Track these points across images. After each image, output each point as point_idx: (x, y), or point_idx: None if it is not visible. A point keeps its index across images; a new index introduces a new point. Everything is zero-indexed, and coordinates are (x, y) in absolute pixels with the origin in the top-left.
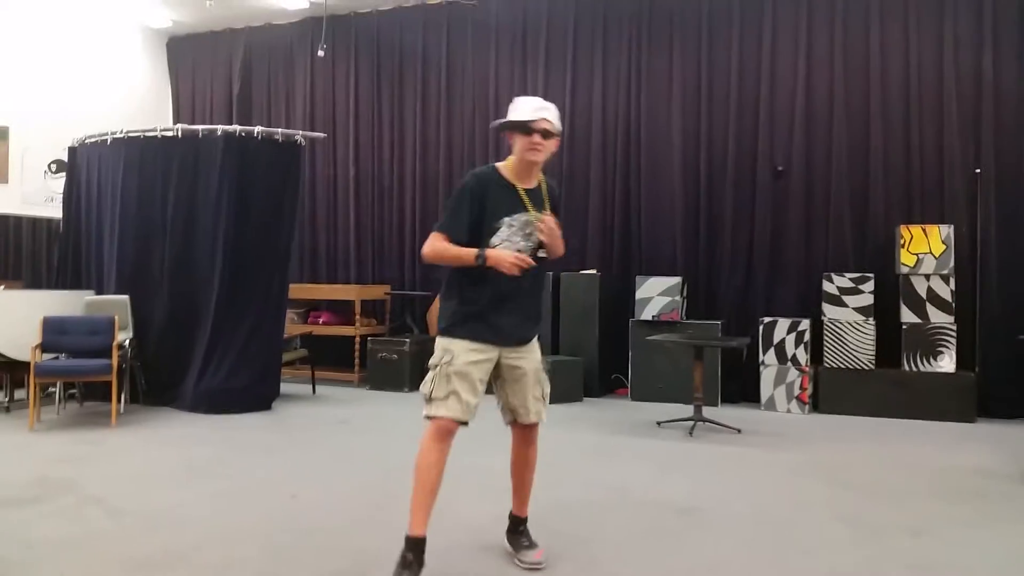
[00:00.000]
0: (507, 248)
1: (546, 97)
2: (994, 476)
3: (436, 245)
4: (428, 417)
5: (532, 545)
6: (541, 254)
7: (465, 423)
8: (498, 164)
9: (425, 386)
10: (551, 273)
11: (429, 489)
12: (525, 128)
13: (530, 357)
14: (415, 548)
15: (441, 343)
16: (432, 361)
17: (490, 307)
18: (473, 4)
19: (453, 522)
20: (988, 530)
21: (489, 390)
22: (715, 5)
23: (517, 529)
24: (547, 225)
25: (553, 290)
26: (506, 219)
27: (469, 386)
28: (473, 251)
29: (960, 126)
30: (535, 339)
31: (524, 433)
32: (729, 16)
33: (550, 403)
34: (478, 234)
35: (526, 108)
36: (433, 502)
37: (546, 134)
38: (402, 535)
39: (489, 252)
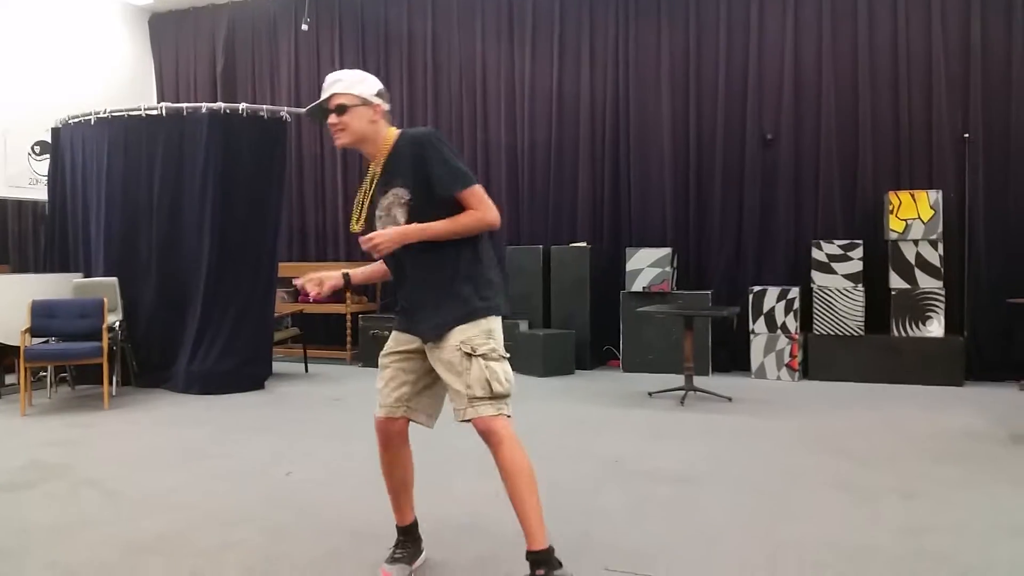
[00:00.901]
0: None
1: (533, 72)
2: (982, 438)
3: None
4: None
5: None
6: (394, 249)
7: (392, 419)
8: None
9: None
10: (540, 247)
11: (391, 488)
12: (323, 114)
13: (441, 345)
14: (401, 532)
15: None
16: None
17: (398, 294)
18: None
19: (447, 500)
20: (977, 491)
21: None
22: None
23: (534, 572)
24: (367, 241)
25: (544, 263)
26: (376, 213)
27: (387, 378)
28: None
29: (948, 91)
30: (451, 331)
31: (480, 434)
32: None
33: (544, 375)
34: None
35: (323, 91)
36: (405, 497)
37: (340, 109)
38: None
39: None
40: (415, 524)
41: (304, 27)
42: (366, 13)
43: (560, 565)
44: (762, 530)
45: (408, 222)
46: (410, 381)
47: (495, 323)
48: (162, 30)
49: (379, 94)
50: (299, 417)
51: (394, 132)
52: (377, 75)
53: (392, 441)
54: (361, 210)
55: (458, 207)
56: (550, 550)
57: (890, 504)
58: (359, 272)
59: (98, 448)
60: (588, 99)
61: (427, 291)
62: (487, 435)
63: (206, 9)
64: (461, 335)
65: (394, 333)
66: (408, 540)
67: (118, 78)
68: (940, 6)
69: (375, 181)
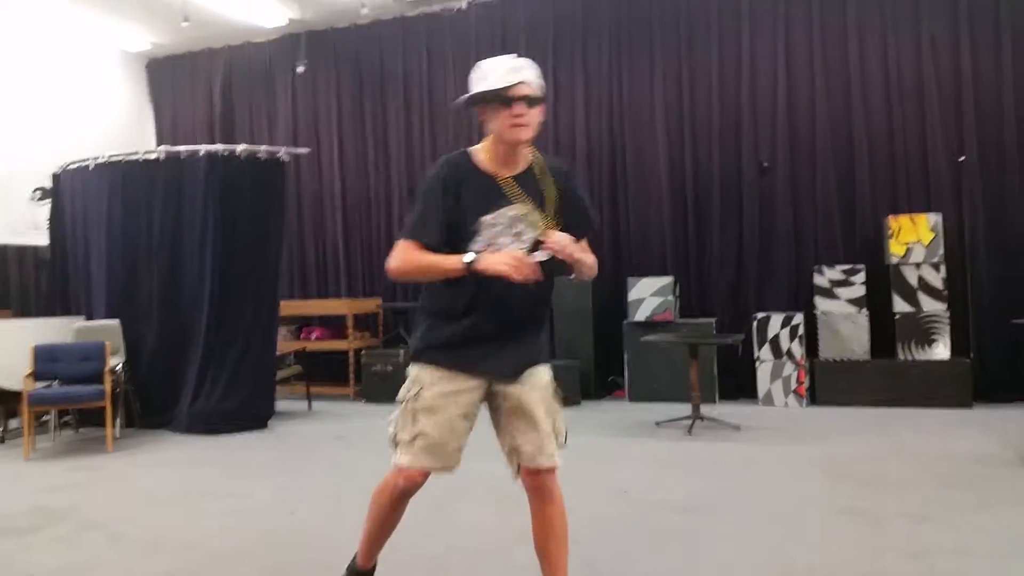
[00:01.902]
0: (492, 249)
1: None
2: (992, 461)
3: (405, 256)
4: (396, 464)
5: None
6: (540, 256)
7: (444, 470)
8: (472, 148)
9: (391, 425)
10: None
11: (383, 535)
12: (502, 98)
13: (531, 382)
14: (367, 573)
15: (411, 372)
16: (399, 395)
17: (475, 327)
18: (457, 9)
19: (455, 526)
20: (988, 515)
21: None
22: (693, 8)
23: None
24: (554, 241)
25: None
26: (486, 218)
27: (449, 425)
28: (458, 257)
29: (942, 115)
30: (545, 367)
31: (537, 484)
32: (707, 19)
33: None
34: (456, 239)
35: (498, 71)
36: (387, 538)
37: (530, 101)
38: (402, 549)
39: (482, 255)
40: (374, 568)
41: (300, 70)
42: (362, 55)
43: None
44: (773, 558)
45: (531, 250)
46: (469, 428)
47: None
48: (160, 75)
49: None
50: (302, 456)
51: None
52: (374, 115)
53: (411, 494)
54: (481, 207)
55: None
56: None
57: (900, 529)
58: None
59: (102, 491)
60: (584, 133)
61: (529, 323)
62: (548, 486)
63: (203, 54)
64: (547, 374)
65: (449, 369)
66: None
67: (117, 124)
68: (929, 30)
69: (505, 185)
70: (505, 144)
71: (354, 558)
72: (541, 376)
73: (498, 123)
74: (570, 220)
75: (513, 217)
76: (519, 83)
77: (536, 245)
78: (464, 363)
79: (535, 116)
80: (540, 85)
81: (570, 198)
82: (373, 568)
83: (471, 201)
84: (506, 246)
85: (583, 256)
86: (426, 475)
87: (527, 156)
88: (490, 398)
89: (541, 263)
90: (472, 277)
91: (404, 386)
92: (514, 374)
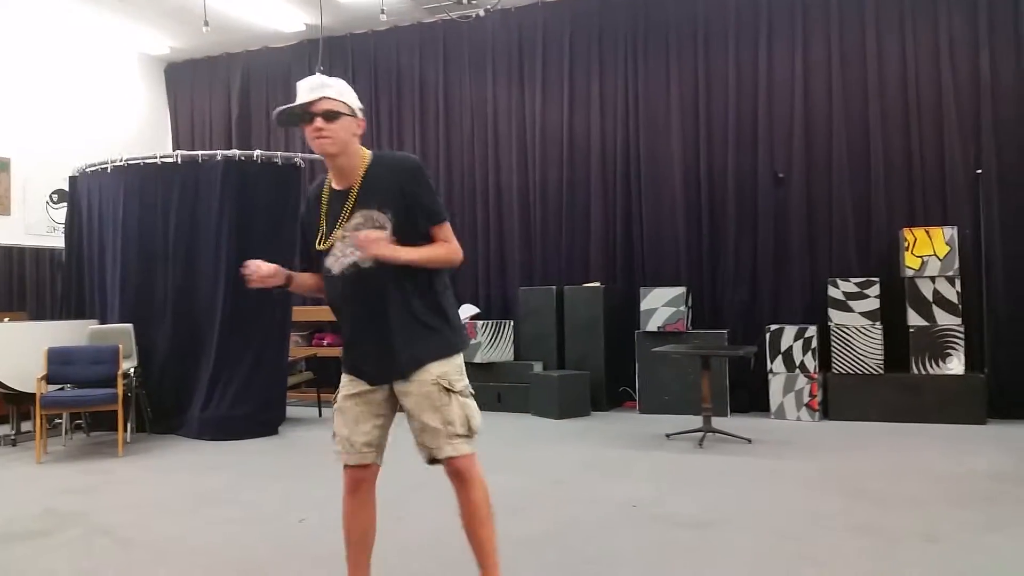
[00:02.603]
0: (340, 263)
1: (544, 114)
2: (1007, 479)
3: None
4: None
5: None
6: (366, 265)
7: (365, 466)
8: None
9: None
10: (554, 287)
11: (352, 541)
12: (305, 115)
13: (419, 381)
14: None
15: None
16: None
17: (346, 339)
18: (475, 16)
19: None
20: (1002, 534)
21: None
22: (710, 15)
23: None
24: (360, 240)
25: (557, 304)
26: (336, 232)
27: (348, 420)
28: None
29: (960, 127)
30: (428, 366)
31: (449, 471)
32: (724, 26)
33: (559, 418)
34: (316, 254)
35: (302, 90)
36: (364, 553)
37: (330, 115)
38: (415, 553)
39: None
40: None
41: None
42: (378, 59)
43: None
44: (783, 575)
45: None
46: (379, 424)
47: (462, 359)
48: (178, 79)
49: (361, 109)
50: (313, 462)
51: (367, 152)
52: (390, 121)
53: (361, 487)
54: (323, 227)
55: (425, 240)
56: None
57: (913, 547)
58: (298, 277)
59: (113, 495)
60: (599, 140)
61: (396, 323)
62: (461, 474)
63: (221, 58)
64: (438, 370)
65: (348, 373)
66: None
67: (134, 127)
68: (948, 40)
69: (343, 198)
70: (325, 158)
71: None
72: (429, 373)
73: (308, 138)
74: (417, 214)
75: (354, 225)
76: (320, 99)
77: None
78: (352, 369)
79: (340, 129)
80: (347, 101)
81: (413, 194)
82: None
83: (316, 220)
84: (347, 259)
85: (399, 252)
86: (356, 468)
87: (359, 162)
88: (397, 398)
89: (361, 266)
90: (335, 296)
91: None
92: (388, 379)
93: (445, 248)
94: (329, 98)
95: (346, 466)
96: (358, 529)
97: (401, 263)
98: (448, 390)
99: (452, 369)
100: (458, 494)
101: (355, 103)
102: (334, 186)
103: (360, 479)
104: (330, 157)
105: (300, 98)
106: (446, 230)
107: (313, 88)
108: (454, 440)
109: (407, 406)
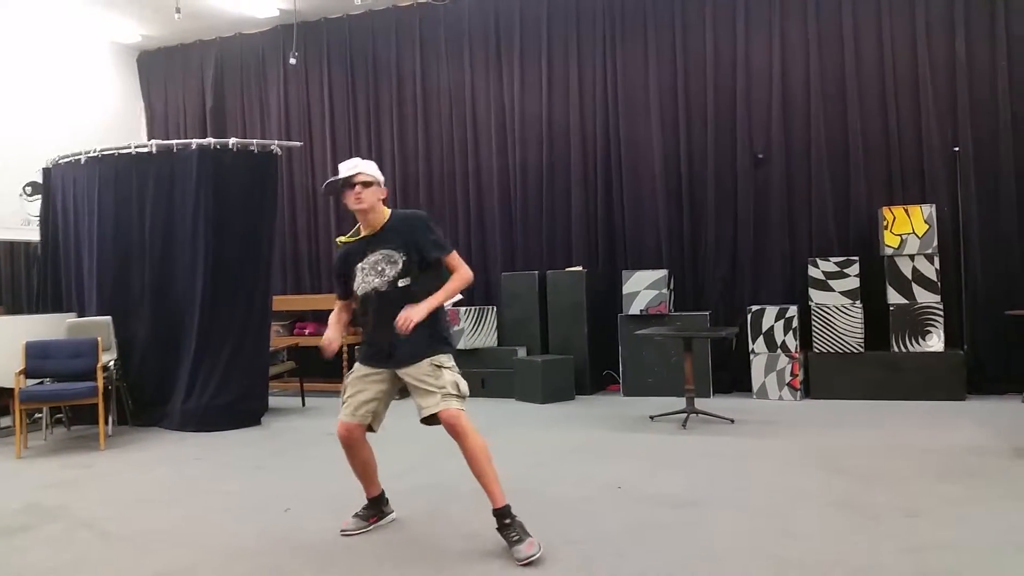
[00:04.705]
0: (365, 286)
1: (523, 99)
2: (986, 453)
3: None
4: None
5: (521, 538)
6: (402, 283)
7: (356, 424)
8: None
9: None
10: (536, 272)
11: (357, 474)
12: (348, 184)
13: (416, 367)
14: (369, 502)
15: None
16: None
17: (366, 338)
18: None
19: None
20: (982, 507)
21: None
22: None
23: (501, 523)
24: (398, 326)
25: (540, 289)
26: (359, 265)
27: (356, 384)
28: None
29: (936, 106)
30: (420, 360)
31: (446, 426)
32: (702, 8)
33: (543, 402)
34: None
35: (344, 167)
36: (368, 476)
37: (364, 184)
38: (398, 545)
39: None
40: (380, 496)
41: (292, 61)
42: (354, 44)
43: (515, 516)
44: (766, 552)
45: (398, 276)
46: (383, 391)
47: (452, 358)
48: (151, 68)
49: (383, 181)
50: (296, 452)
51: (387, 210)
52: (367, 106)
53: (354, 443)
54: (357, 263)
55: (437, 267)
56: (508, 505)
57: (894, 522)
58: (344, 315)
59: (95, 489)
60: (578, 123)
61: (401, 337)
62: (455, 427)
63: (194, 46)
64: (432, 357)
65: (361, 363)
66: (370, 506)
67: (108, 117)
68: (924, 21)
69: (370, 242)
70: (357, 214)
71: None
72: (423, 364)
73: (347, 200)
74: (425, 250)
75: (375, 261)
76: (358, 173)
77: (399, 277)
78: (365, 360)
79: (371, 194)
80: (375, 176)
81: (423, 238)
82: (374, 497)
83: (351, 261)
84: (372, 282)
85: (427, 306)
86: (348, 426)
87: (382, 217)
88: (400, 379)
89: (379, 290)
90: (360, 308)
91: (450, 361)
92: (398, 366)
93: (458, 277)
94: (364, 172)
95: (341, 420)
96: (358, 464)
97: (431, 309)
98: (439, 367)
99: (444, 357)
100: (460, 447)
101: (380, 177)
102: (363, 233)
103: (349, 429)
104: (362, 213)
105: (342, 173)
106: (454, 257)
107: (352, 167)
108: (447, 398)
109: (408, 379)
